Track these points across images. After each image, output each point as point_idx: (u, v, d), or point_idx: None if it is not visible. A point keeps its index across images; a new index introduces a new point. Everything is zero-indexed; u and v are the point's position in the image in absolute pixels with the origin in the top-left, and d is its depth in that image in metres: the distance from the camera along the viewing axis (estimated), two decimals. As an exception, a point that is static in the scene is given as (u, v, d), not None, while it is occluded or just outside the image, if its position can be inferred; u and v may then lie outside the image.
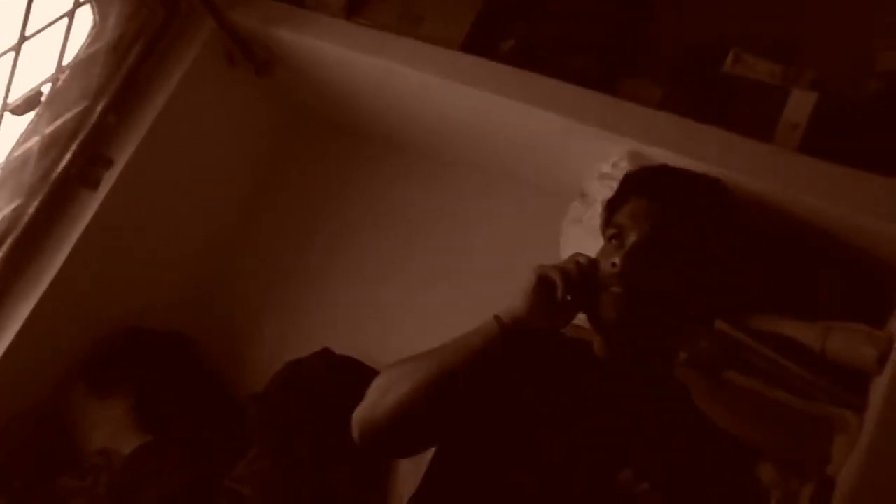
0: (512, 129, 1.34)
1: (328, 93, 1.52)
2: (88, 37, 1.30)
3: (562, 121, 1.23)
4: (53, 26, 1.23)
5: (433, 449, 0.94)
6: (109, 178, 1.33)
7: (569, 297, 0.85)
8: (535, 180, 1.46)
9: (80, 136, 1.32)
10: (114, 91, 1.34)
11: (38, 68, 1.24)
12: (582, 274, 0.86)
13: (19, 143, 1.25)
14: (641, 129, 1.19)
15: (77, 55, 1.29)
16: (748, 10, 1.40)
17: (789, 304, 1.12)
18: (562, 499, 0.82)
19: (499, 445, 0.88)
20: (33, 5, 1.16)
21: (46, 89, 1.26)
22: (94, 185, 1.33)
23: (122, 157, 1.34)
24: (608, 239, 0.93)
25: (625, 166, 1.18)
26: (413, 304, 1.49)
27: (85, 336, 1.39)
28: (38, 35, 1.20)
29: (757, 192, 1.11)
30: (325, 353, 1.42)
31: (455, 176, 1.55)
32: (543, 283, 0.84)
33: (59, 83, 1.27)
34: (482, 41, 1.36)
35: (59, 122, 1.29)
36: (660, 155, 1.18)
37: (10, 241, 1.26)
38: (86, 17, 1.29)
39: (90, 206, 1.32)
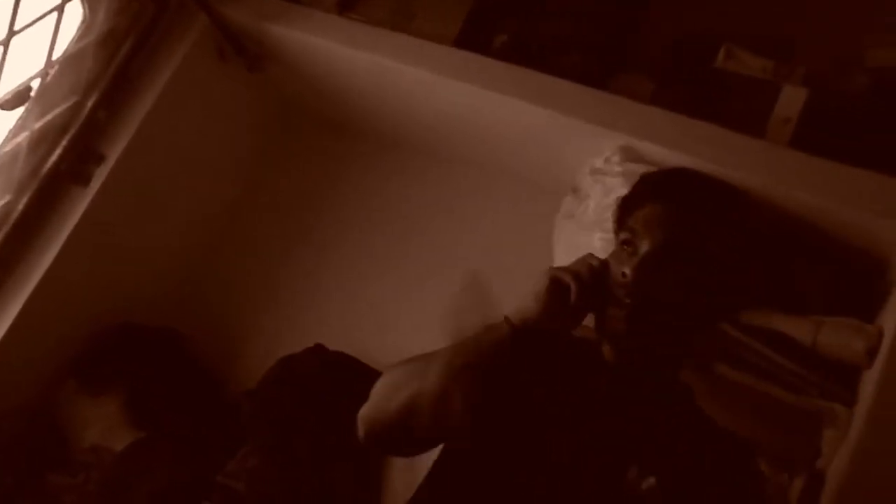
0: (505, 124, 1.34)
1: (321, 88, 1.52)
2: (78, 31, 1.29)
3: (554, 116, 1.23)
4: (43, 20, 1.22)
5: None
6: (101, 174, 1.32)
7: (581, 300, 0.85)
8: (529, 175, 1.47)
9: (71, 132, 1.31)
10: (104, 86, 1.33)
11: (28, 63, 1.23)
12: (594, 277, 0.86)
13: (8, 139, 1.24)
14: (634, 125, 1.19)
15: (67, 50, 1.28)
16: (740, 6, 1.41)
17: (780, 299, 1.13)
18: (569, 499, 0.82)
19: (506, 445, 0.88)
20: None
21: (36, 84, 1.25)
22: (85, 181, 1.32)
23: (114, 152, 1.34)
24: (620, 243, 0.93)
25: (617, 161, 1.19)
26: (407, 299, 1.49)
27: (76, 333, 1.38)
28: (28, 29, 1.19)
29: (748, 187, 1.12)
30: (318, 348, 1.42)
31: (449, 172, 1.54)
32: (556, 286, 0.84)
33: (49, 78, 1.26)
34: (475, 37, 1.36)
35: (48, 118, 1.28)
36: (652, 150, 1.18)
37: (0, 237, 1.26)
38: (75, 12, 1.28)
39: (81, 202, 1.31)
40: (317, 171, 1.62)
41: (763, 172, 1.13)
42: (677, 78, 1.32)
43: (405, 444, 0.92)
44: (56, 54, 1.26)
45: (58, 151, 1.30)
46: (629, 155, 1.19)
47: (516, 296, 0.87)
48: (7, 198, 1.26)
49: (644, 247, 0.89)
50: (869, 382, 1.05)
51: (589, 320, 0.92)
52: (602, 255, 0.92)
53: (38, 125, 1.27)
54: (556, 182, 1.34)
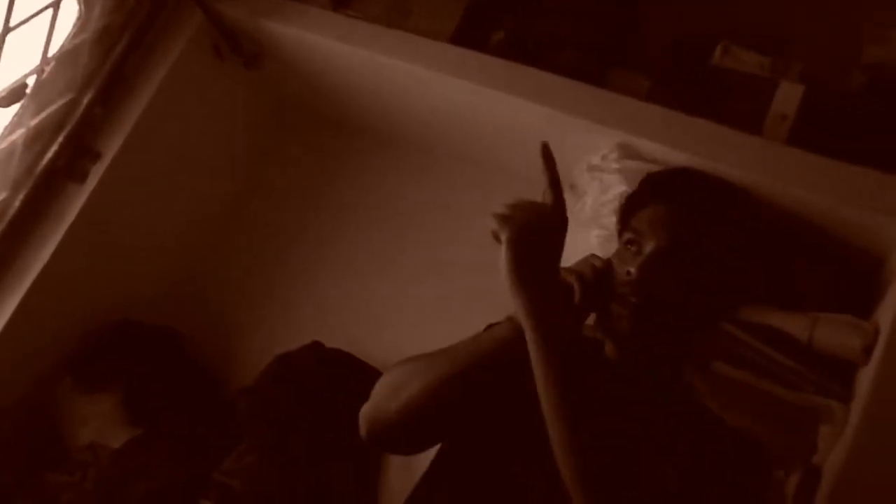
0: (501, 121, 1.34)
1: (317, 85, 1.52)
2: (74, 27, 1.29)
3: (551, 113, 1.23)
4: (38, 17, 1.21)
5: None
6: (97, 172, 1.32)
7: (584, 300, 0.84)
8: (526, 173, 1.45)
9: (67, 129, 1.31)
10: (100, 83, 1.32)
11: (23, 60, 1.23)
12: (597, 277, 0.86)
13: (4, 136, 1.23)
14: (630, 122, 1.19)
15: (62, 46, 1.28)
16: (736, 3, 1.40)
17: (777, 296, 1.13)
18: (567, 498, 0.82)
19: (505, 443, 0.88)
20: (17, -4, 1.15)
21: (32, 81, 1.24)
22: (82, 178, 1.32)
23: (110, 150, 1.33)
24: (624, 243, 0.93)
25: (614, 158, 1.19)
26: (404, 296, 1.49)
27: (72, 330, 1.38)
28: (23, 26, 1.19)
29: (745, 184, 1.12)
30: (315, 346, 1.41)
31: (446, 169, 1.54)
32: (560, 287, 0.84)
33: (45, 75, 1.26)
34: (471, 33, 1.36)
35: (44, 115, 1.28)
36: (649, 147, 1.18)
37: (-5, 234, 1.26)
38: (71, 8, 1.28)
39: (77, 199, 1.31)
40: (313, 168, 1.62)
41: (760, 169, 1.13)
42: (674, 75, 1.32)
43: (406, 443, 0.92)
44: (52, 51, 1.26)
45: (54, 148, 1.30)
46: (626, 152, 1.19)
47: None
48: (3, 195, 1.26)
49: (649, 246, 0.90)
50: (865, 379, 1.06)
51: (592, 318, 0.92)
52: (599, 252, 0.92)
53: (33, 122, 1.26)
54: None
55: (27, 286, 1.27)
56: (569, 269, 0.86)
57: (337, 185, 1.60)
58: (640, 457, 0.79)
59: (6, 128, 1.24)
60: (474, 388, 0.84)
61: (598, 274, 0.86)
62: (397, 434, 0.88)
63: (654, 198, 0.95)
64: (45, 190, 1.30)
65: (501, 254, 0.74)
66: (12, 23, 1.17)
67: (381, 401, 0.88)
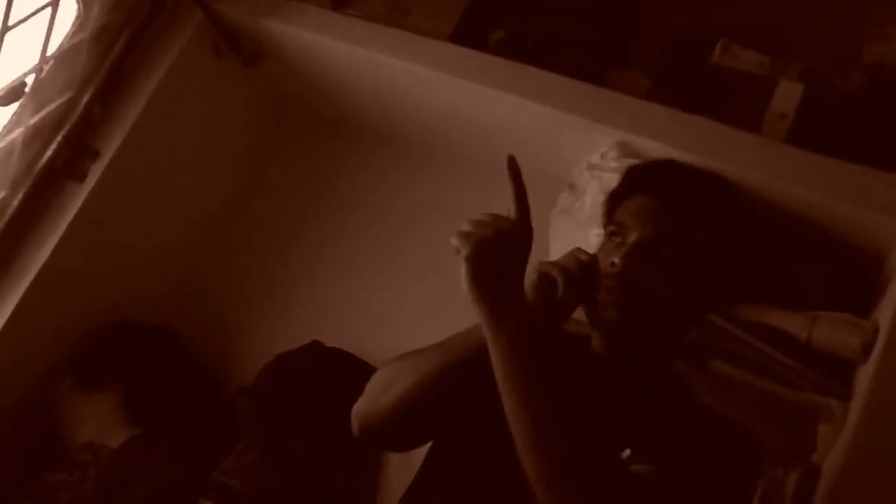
0: (501, 120, 1.34)
1: (317, 85, 1.51)
2: (73, 26, 1.29)
3: (550, 112, 1.23)
4: (37, 16, 1.21)
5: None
6: (96, 171, 1.32)
7: (569, 294, 0.85)
8: (525, 172, 1.46)
9: (66, 128, 1.30)
10: (99, 82, 1.32)
11: (22, 59, 1.23)
12: (582, 271, 0.86)
13: (3, 135, 1.23)
14: (630, 120, 1.19)
15: (61, 45, 1.27)
16: (736, 2, 1.40)
17: (775, 294, 1.13)
18: None
19: (495, 438, 0.88)
20: (16, -6, 1.15)
21: (30, 80, 1.24)
22: (81, 177, 1.32)
23: (109, 149, 1.33)
24: (609, 235, 0.93)
25: (614, 157, 1.19)
26: (403, 296, 1.49)
27: (71, 330, 1.38)
28: (22, 25, 1.19)
29: (744, 183, 1.12)
30: (315, 345, 1.41)
31: (445, 168, 1.54)
32: (544, 281, 0.84)
33: (44, 74, 1.26)
34: (471, 33, 1.36)
35: (43, 114, 1.27)
36: (648, 145, 1.18)
37: (-6, 233, 1.25)
38: (70, 7, 1.27)
39: (76, 198, 1.31)
40: (313, 168, 1.62)
41: (759, 168, 1.13)
42: (673, 73, 1.32)
43: (398, 440, 0.92)
44: (51, 50, 1.26)
45: (53, 147, 1.30)
46: (626, 150, 1.19)
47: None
48: (2, 194, 1.26)
49: (632, 237, 0.90)
50: (864, 378, 1.06)
51: (580, 314, 0.92)
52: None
53: (32, 121, 1.26)
54: (552, 178, 1.34)
55: (26, 285, 1.26)
56: (553, 264, 0.86)
57: (336, 185, 1.60)
58: (618, 450, 0.79)
59: (5, 126, 1.24)
60: (466, 382, 0.84)
61: (583, 268, 0.86)
62: (389, 430, 0.87)
63: (637, 189, 0.95)
64: (44, 189, 1.30)
65: (461, 270, 0.75)
66: (11, 21, 1.16)
67: (373, 397, 0.88)
